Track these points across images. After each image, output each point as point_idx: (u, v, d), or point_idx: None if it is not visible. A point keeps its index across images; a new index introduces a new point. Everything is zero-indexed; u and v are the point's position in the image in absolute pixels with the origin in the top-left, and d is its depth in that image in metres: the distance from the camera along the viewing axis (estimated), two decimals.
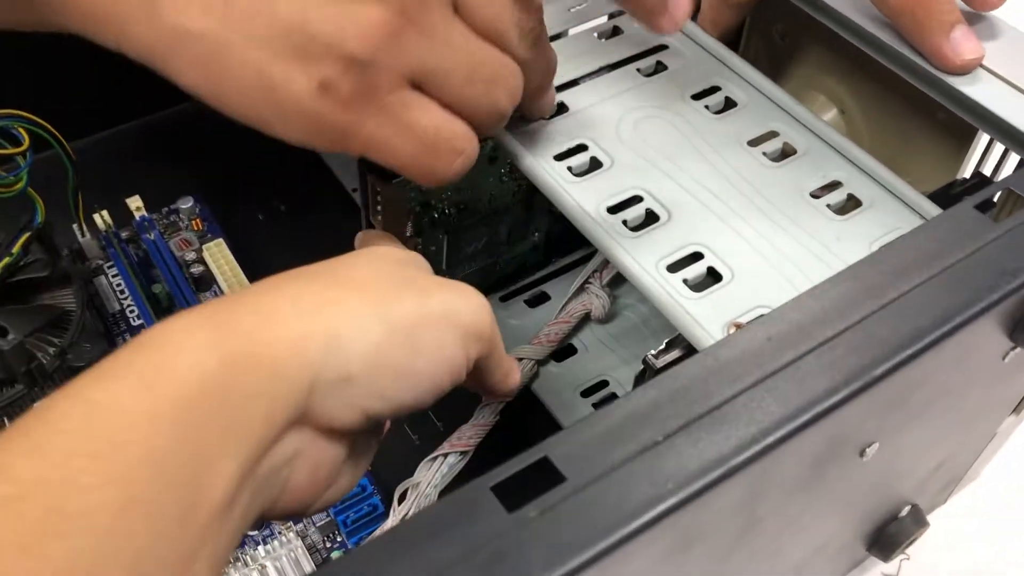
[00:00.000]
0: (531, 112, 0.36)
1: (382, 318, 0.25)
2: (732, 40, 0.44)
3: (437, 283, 0.29)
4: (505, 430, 0.41)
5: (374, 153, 0.30)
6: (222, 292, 0.47)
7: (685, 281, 0.31)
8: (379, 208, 0.38)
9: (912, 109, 0.39)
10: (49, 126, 0.42)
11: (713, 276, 0.32)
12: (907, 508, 0.38)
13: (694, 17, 0.42)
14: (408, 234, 0.40)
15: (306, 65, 0.27)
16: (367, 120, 0.29)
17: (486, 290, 0.47)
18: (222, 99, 0.28)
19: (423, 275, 0.29)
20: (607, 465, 0.22)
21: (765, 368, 0.24)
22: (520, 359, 0.43)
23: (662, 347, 0.31)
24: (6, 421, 0.41)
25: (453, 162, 0.30)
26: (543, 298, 0.48)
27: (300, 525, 0.40)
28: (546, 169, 0.35)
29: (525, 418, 0.43)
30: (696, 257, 0.32)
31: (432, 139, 0.30)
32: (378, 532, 0.39)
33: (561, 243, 0.48)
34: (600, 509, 0.22)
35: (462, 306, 0.28)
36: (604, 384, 0.44)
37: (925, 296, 0.26)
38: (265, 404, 0.23)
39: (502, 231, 0.44)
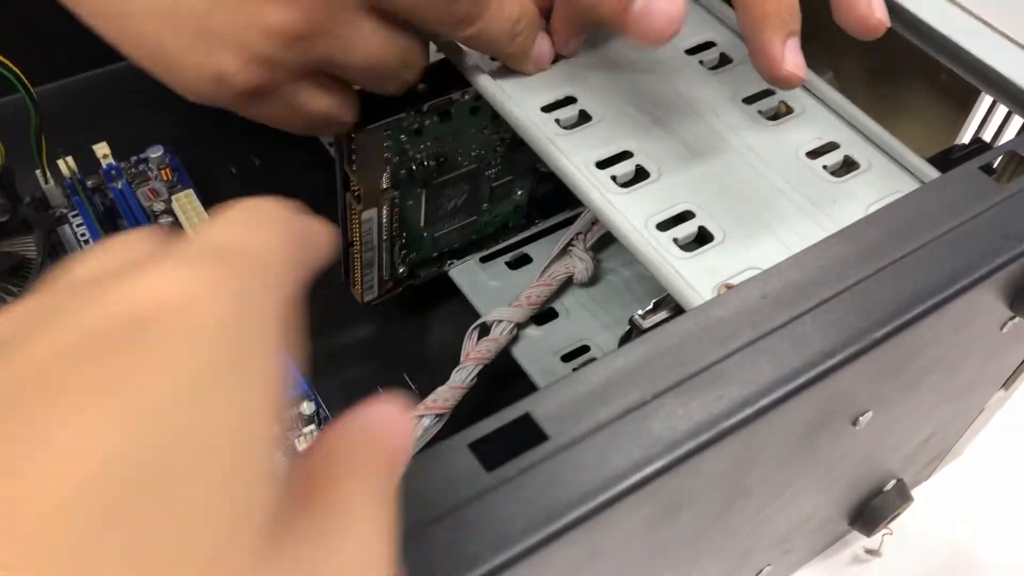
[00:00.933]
0: (523, 68, 0.34)
1: None
2: None
3: None
4: (483, 394, 0.40)
5: (264, 122, 0.31)
6: None
7: (675, 240, 0.30)
8: (353, 157, 0.36)
9: (909, 73, 0.38)
10: (10, 64, 0.40)
11: (704, 236, 0.31)
12: (892, 482, 0.37)
13: None
14: (384, 186, 0.38)
15: (205, 53, 0.28)
16: (257, 103, 0.30)
17: (466, 250, 0.45)
18: (119, 46, 0.29)
19: None
20: (592, 424, 0.21)
21: (760, 328, 0.23)
22: (499, 322, 0.41)
23: (649, 307, 0.30)
24: None
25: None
26: (524, 260, 0.46)
27: None
28: (532, 121, 0.33)
29: (504, 382, 0.42)
30: (687, 216, 0.31)
31: (321, 120, 0.31)
32: None
33: (544, 205, 0.46)
34: (583, 470, 0.21)
35: None
36: (585, 349, 0.43)
37: (927, 258, 0.25)
38: None
39: (483, 188, 0.43)
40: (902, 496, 0.37)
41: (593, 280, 0.45)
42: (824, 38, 0.41)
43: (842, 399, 0.25)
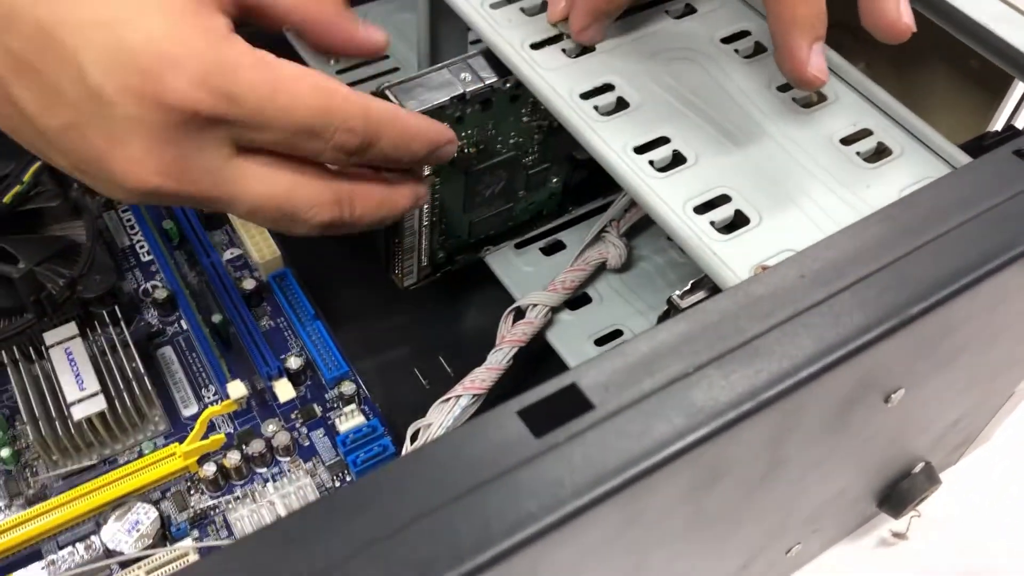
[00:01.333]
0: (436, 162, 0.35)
1: None
2: None
3: None
4: (518, 376, 0.41)
5: None
6: (233, 230, 0.46)
7: (712, 223, 0.31)
8: None
9: (941, 61, 0.38)
10: None
11: (740, 219, 0.31)
12: (920, 465, 0.38)
13: None
14: (425, 172, 0.39)
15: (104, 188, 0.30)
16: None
17: (502, 236, 0.46)
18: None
19: None
20: (636, 394, 0.22)
21: (798, 304, 0.24)
22: (534, 305, 0.42)
23: (687, 288, 0.31)
24: (16, 351, 0.40)
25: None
26: (558, 246, 0.47)
27: (310, 464, 0.39)
28: (572, 107, 0.34)
29: (538, 365, 0.43)
30: (723, 200, 0.32)
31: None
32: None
33: (579, 192, 0.47)
34: (628, 438, 0.21)
35: None
36: (618, 334, 0.43)
37: (961, 238, 0.26)
38: None
39: (520, 176, 0.43)
40: (930, 479, 0.38)
41: (626, 267, 0.45)
42: (857, 29, 0.41)
43: (877, 375, 0.26)
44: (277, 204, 0.30)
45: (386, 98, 0.37)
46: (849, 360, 0.23)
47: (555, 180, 0.45)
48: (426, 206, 0.41)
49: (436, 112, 0.37)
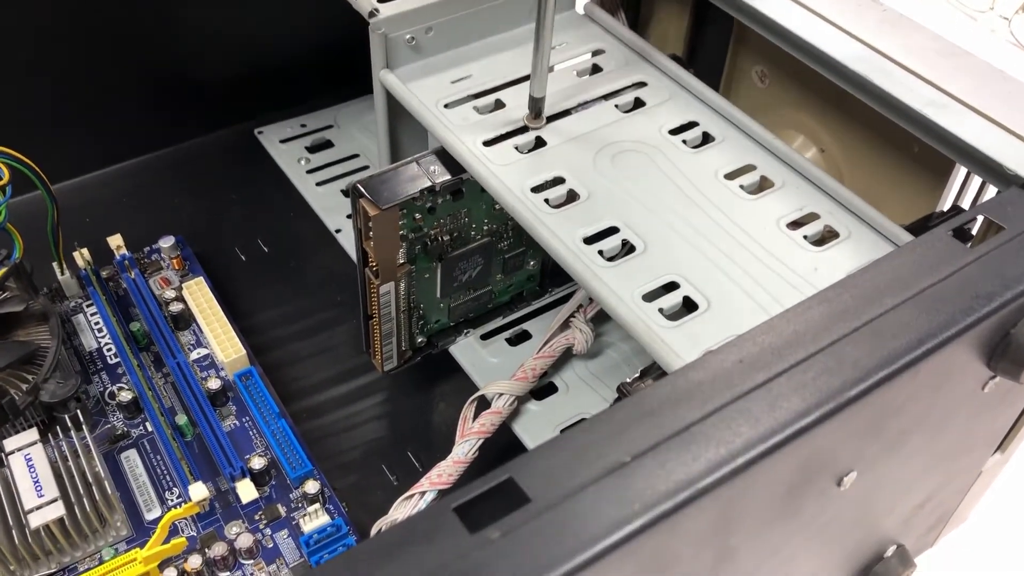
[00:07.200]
0: None
1: None
2: (712, 79, 0.45)
3: None
4: (484, 467, 0.40)
5: None
6: (200, 330, 0.47)
7: (661, 310, 0.31)
8: (371, 235, 0.38)
9: (890, 145, 0.39)
10: (30, 162, 0.42)
11: (689, 306, 0.32)
12: (892, 548, 0.37)
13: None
14: (400, 261, 0.40)
15: None
16: None
17: (482, 318, 0.47)
18: None
19: None
20: (573, 486, 0.22)
21: (736, 390, 0.24)
22: (501, 395, 0.42)
23: (636, 375, 0.31)
24: None
25: None
26: (525, 336, 0.47)
27: (273, 566, 0.39)
28: (523, 201, 0.34)
29: (505, 456, 0.42)
30: (672, 287, 0.32)
31: None
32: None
33: (559, 273, 0.47)
34: (564, 531, 0.21)
35: None
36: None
37: (898, 319, 0.26)
38: None
39: (497, 260, 0.44)
40: (904, 562, 0.37)
41: (593, 354, 0.45)
42: (815, 111, 0.42)
43: (823, 458, 0.26)
44: None
45: (358, 192, 0.37)
46: (788, 444, 0.23)
47: (532, 264, 0.46)
48: (402, 293, 0.41)
49: (407, 203, 0.38)
